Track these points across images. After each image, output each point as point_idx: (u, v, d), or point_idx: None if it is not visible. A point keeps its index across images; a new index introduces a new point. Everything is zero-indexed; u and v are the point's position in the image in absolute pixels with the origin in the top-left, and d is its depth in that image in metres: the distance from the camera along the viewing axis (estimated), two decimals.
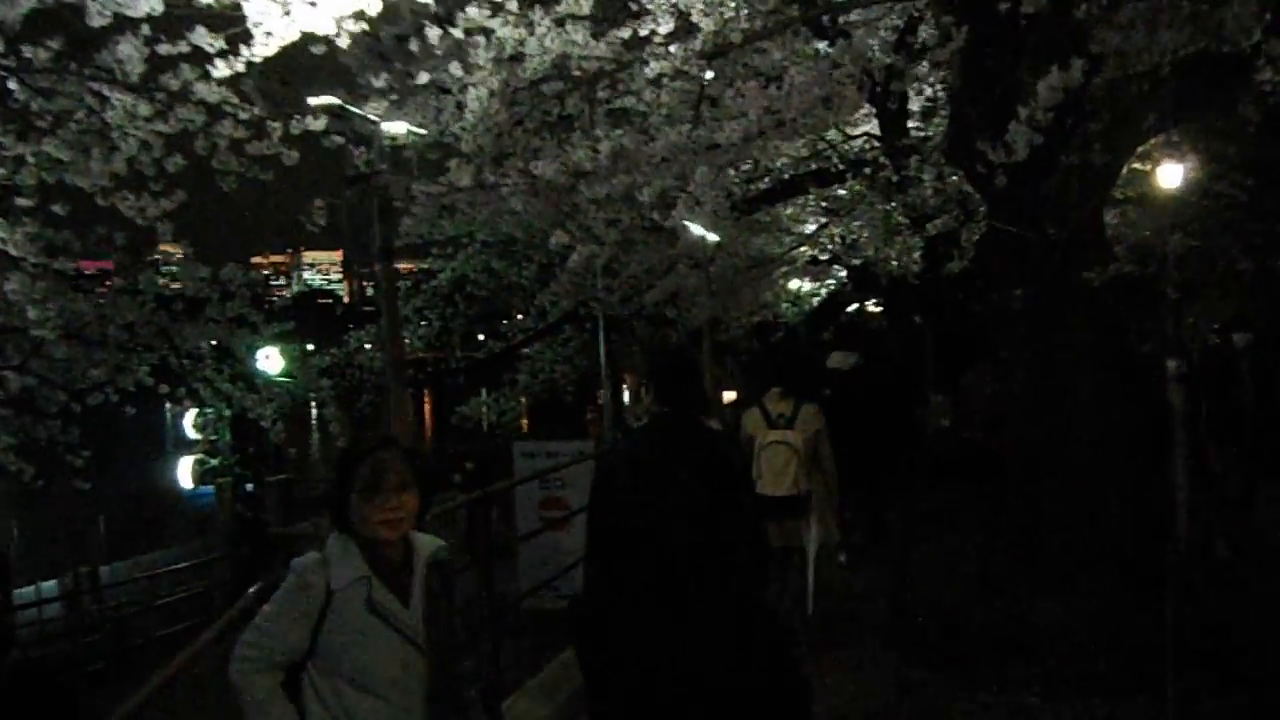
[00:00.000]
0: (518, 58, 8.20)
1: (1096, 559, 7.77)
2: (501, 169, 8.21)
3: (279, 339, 16.94)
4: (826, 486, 8.25)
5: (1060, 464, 8.22)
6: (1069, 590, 7.53)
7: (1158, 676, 5.88)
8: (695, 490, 4.44)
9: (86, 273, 12.73)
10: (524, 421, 31.15)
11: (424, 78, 7.58)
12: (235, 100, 7.21)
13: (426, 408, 45.78)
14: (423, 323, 21.90)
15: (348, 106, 6.72)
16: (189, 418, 17.28)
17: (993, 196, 8.15)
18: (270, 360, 18.16)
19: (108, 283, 12.38)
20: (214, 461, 17.91)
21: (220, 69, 6.02)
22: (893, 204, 14.20)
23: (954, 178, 13.30)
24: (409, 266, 23.07)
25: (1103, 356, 7.96)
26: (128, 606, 17.80)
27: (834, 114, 6.89)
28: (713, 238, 11.37)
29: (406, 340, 21.60)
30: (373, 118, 6.81)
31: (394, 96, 7.69)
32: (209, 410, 17.23)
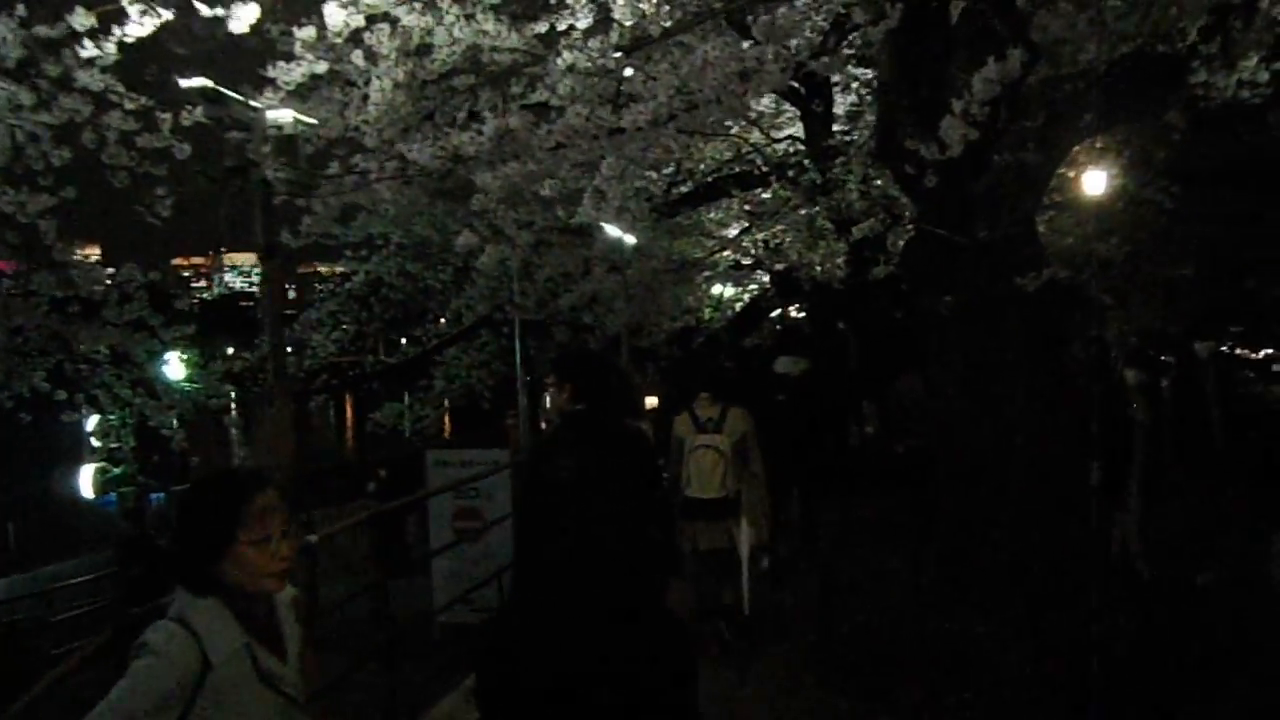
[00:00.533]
0: (426, 49, 7.78)
1: (1029, 574, 7.49)
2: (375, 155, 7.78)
3: (187, 343, 16.39)
4: (756, 490, 8.30)
5: (992, 475, 7.90)
6: (1002, 608, 7.25)
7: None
8: (611, 474, 5.05)
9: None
10: (446, 427, 30.60)
11: (322, 67, 7.10)
12: (121, 89, 6.72)
13: (349, 414, 45.02)
14: (339, 327, 21.29)
15: (223, 90, 6.18)
16: (90, 424, 16.53)
17: (921, 197, 7.78)
18: (174, 365, 17.53)
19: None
20: (116, 470, 17.18)
21: (89, 49, 5.49)
22: (817, 208, 13.90)
23: (879, 181, 13.07)
24: (325, 269, 22.39)
25: (1036, 365, 7.63)
26: (22, 622, 17.03)
27: (752, 91, 6.43)
28: (630, 240, 10.99)
29: (319, 345, 21.11)
30: (255, 104, 6.29)
31: (291, 87, 7.22)
32: (111, 417, 16.61)
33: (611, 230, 11.48)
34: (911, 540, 9.26)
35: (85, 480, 17.13)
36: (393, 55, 7.42)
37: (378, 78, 7.57)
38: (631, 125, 7.89)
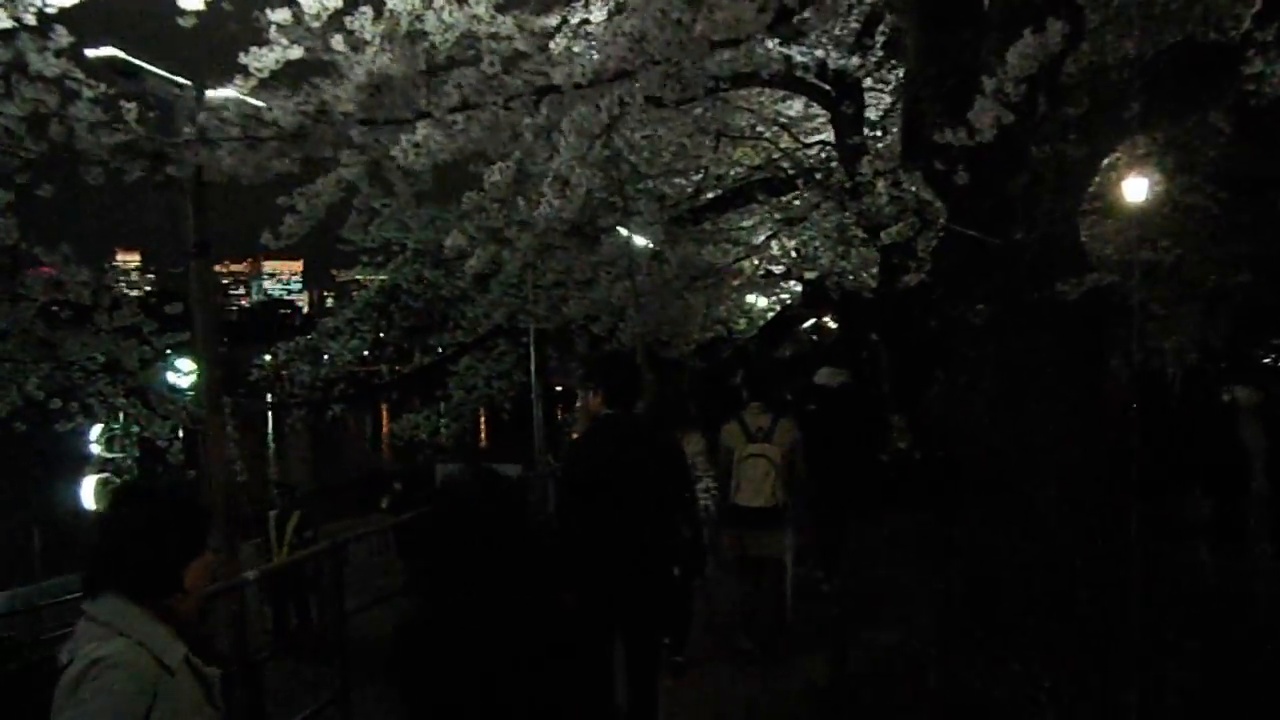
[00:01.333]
0: (416, 35, 7.22)
1: (1060, 610, 6.84)
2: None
3: (179, 350, 15.88)
4: (802, 500, 8.73)
5: (1023, 500, 7.25)
6: (1032, 648, 6.58)
7: None
8: (643, 476, 5.93)
9: None
10: (481, 437, 30.09)
11: (297, 52, 6.54)
12: (79, 74, 6.18)
13: (385, 423, 44.63)
14: (357, 335, 20.78)
15: (135, 62, 5.60)
16: (94, 434, 16.03)
17: (952, 197, 7.12)
18: (184, 370, 17.01)
19: None
20: (119, 481, 16.67)
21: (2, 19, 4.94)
22: (847, 213, 13.24)
23: (911, 185, 12.42)
24: (363, 277, 21.88)
25: (1075, 381, 6.95)
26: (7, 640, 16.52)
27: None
28: (641, 243, 10.40)
29: (336, 353, 20.62)
30: (184, 82, 5.73)
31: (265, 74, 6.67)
32: (116, 426, 16.11)
33: (622, 233, 10.95)
34: (935, 560, 8.78)
35: (88, 492, 16.55)
36: (376, 40, 6.89)
37: (359, 64, 7.06)
38: (566, 80, 7.39)
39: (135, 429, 16.14)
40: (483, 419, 22.09)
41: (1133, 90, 6.47)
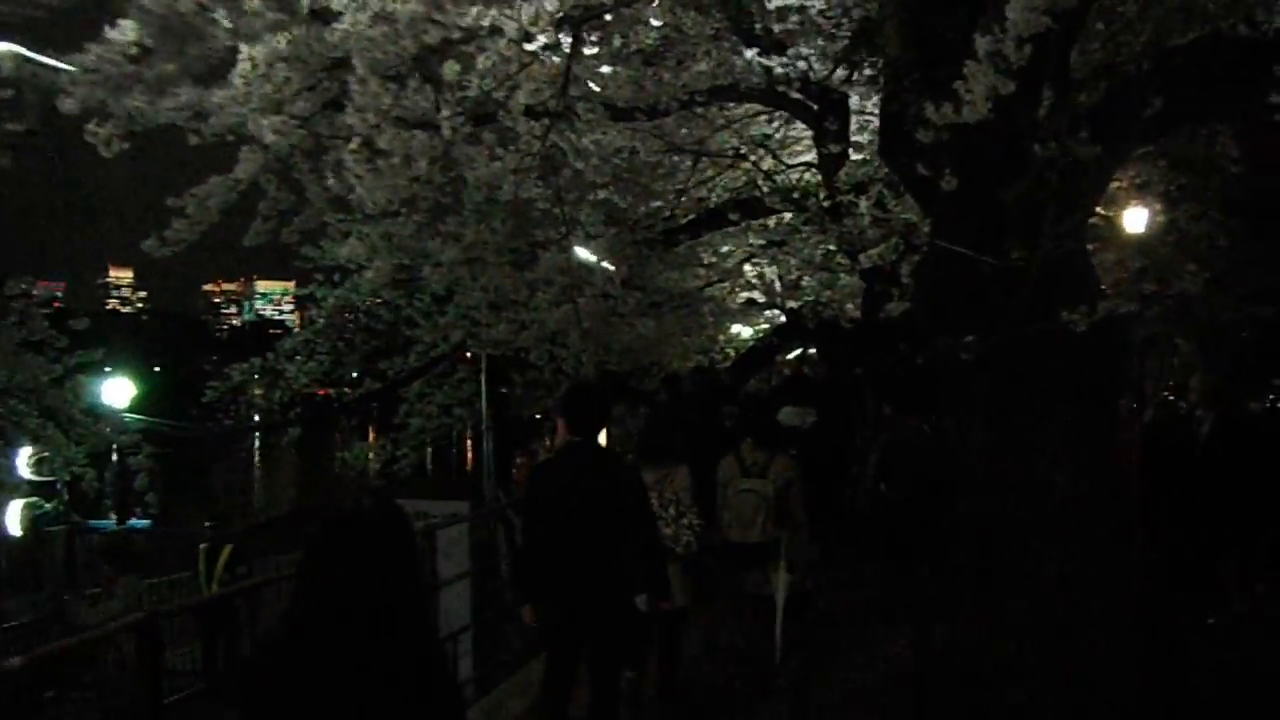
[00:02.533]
0: (321, 14, 6.23)
1: (1069, 687, 5.82)
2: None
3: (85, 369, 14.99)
4: (796, 536, 8.48)
5: (1023, 557, 6.20)
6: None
7: None
8: (602, 490, 6.39)
9: None
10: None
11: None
12: None
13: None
14: (314, 356, 19.70)
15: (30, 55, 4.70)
16: (21, 456, 15.00)
17: (937, 207, 6.06)
18: (117, 390, 16.03)
19: None
20: (47, 506, 15.68)
21: None
22: (827, 235, 12.24)
23: (896, 206, 11.47)
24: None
25: (1087, 428, 5.88)
26: None
27: None
28: (587, 257, 9.39)
29: (293, 375, 19.54)
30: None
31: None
32: (46, 449, 15.14)
33: (582, 253, 9.99)
34: (918, 638, 8.26)
35: (12, 517, 15.54)
36: (268, 20, 5.90)
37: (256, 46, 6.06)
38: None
39: (65, 452, 15.21)
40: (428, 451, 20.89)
41: (1153, 85, 5.44)
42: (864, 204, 11.05)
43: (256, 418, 22.08)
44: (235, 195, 6.82)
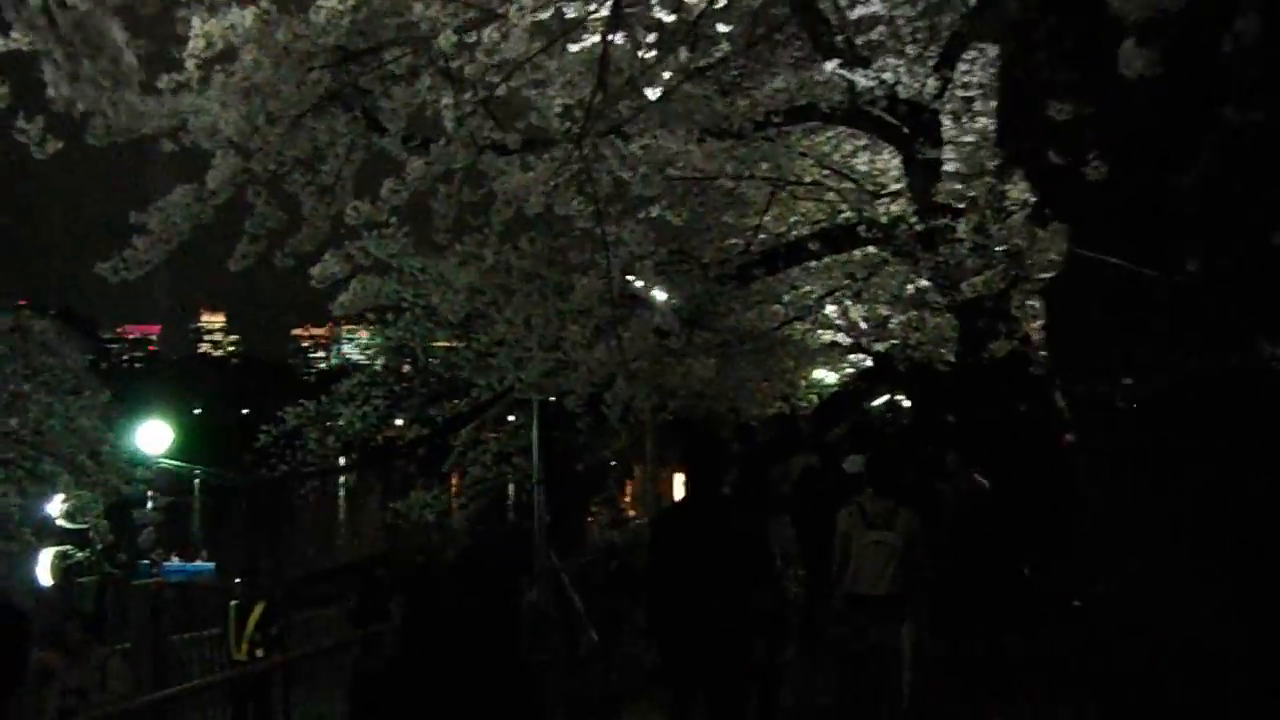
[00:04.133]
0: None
1: None
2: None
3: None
4: (919, 589, 8.50)
5: (1180, 650, 4.70)
6: None
7: None
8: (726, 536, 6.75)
9: None
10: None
11: None
12: None
13: None
14: (369, 401, 18.61)
15: None
16: (55, 504, 14.02)
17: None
18: (153, 435, 14.98)
19: None
20: (79, 555, 14.68)
21: None
22: (920, 266, 10.81)
23: (1002, 229, 10.06)
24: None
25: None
26: None
27: None
28: (637, 284, 8.13)
29: (346, 421, 18.46)
30: None
31: None
32: (82, 494, 14.14)
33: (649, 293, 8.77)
34: None
35: (44, 566, 14.57)
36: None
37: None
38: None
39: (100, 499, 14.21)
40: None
41: None
42: (964, 226, 9.63)
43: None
44: (208, 211, 5.64)
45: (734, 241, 13.33)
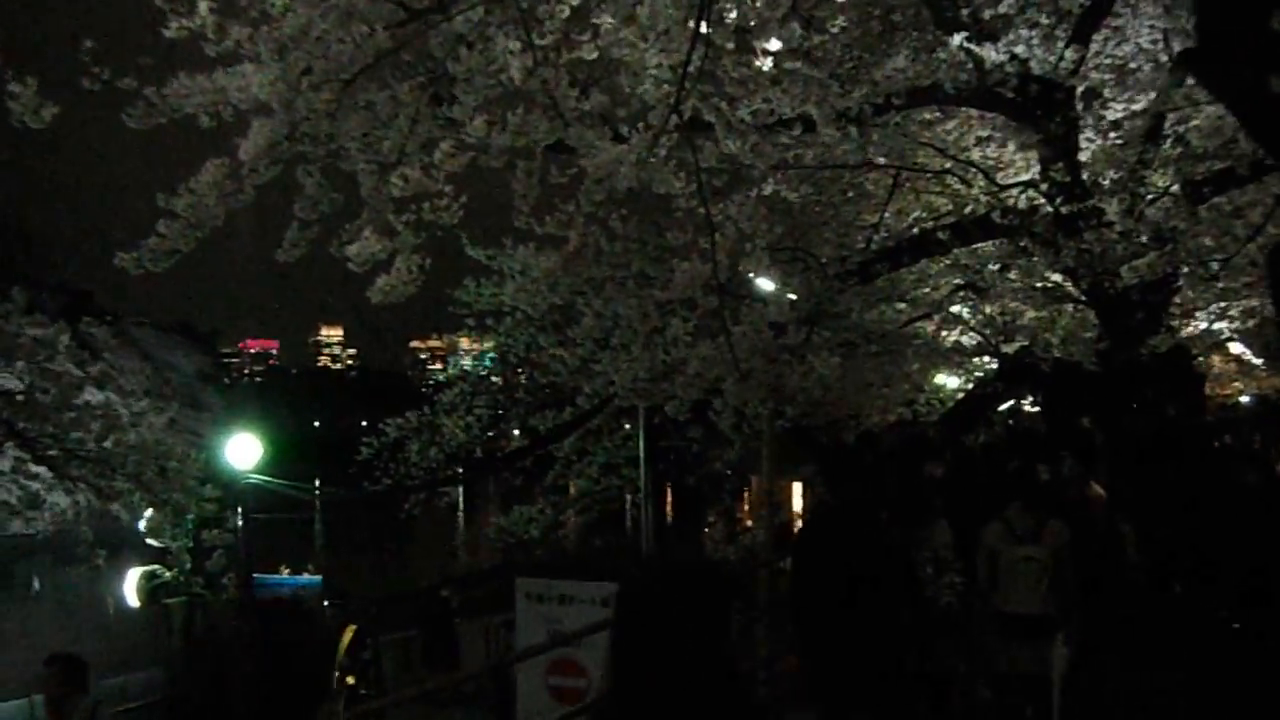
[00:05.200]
0: None
1: None
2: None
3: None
4: (1070, 609, 8.01)
5: None
6: None
7: None
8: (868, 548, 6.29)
9: None
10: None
11: None
12: None
13: None
14: (473, 411, 17.96)
15: None
16: (144, 519, 13.47)
17: None
18: (242, 449, 14.37)
19: None
20: (167, 575, 14.15)
21: None
22: (1062, 255, 9.76)
23: (1157, 211, 9.01)
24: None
25: None
26: None
27: None
28: (768, 286, 7.33)
29: (450, 432, 17.80)
30: None
31: None
32: (168, 509, 13.57)
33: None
34: None
35: (130, 586, 14.06)
36: None
37: None
38: None
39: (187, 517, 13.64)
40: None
41: None
42: (1113, 208, 8.61)
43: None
44: (248, 193, 4.91)
45: (854, 237, 12.49)
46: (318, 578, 26.30)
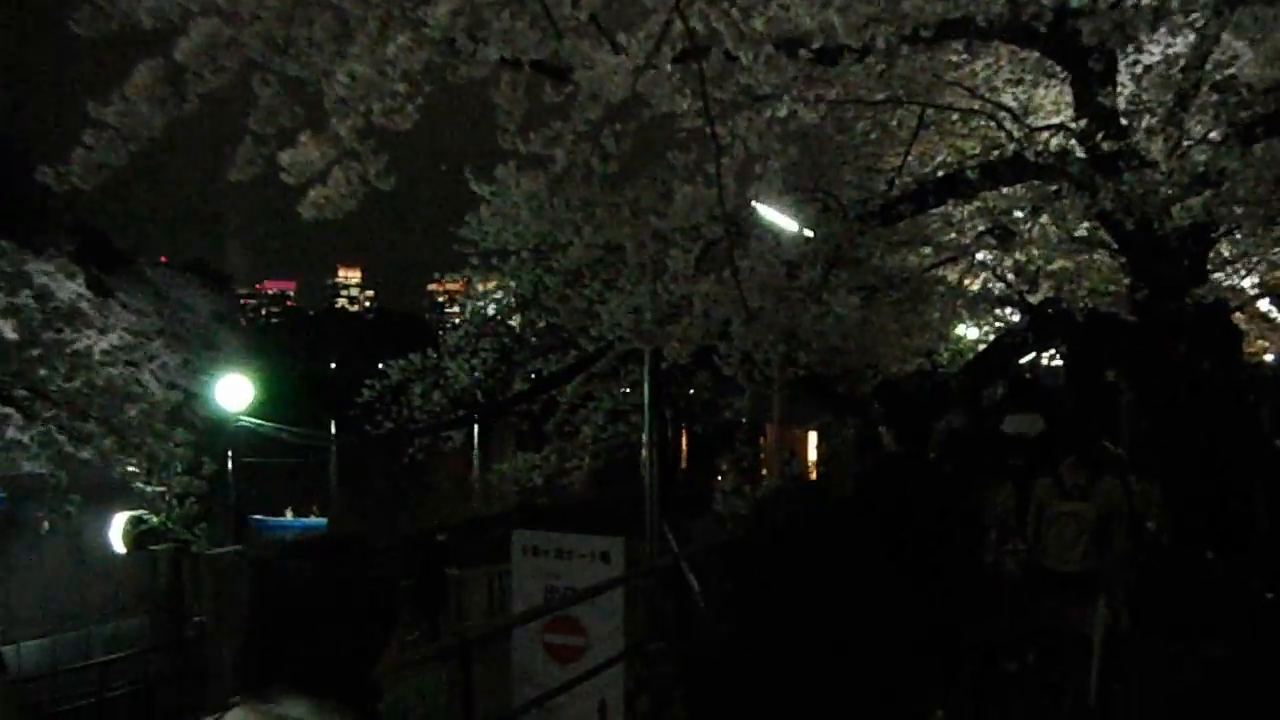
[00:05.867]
0: None
1: None
2: None
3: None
4: (1118, 568, 7.92)
5: None
6: None
7: None
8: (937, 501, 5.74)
9: None
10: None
11: None
12: None
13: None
14: (478, 353, 17.36)
15: None
16: (132, 465, 12.93)
17: None
18: (233, 391, 13.81)
19: None
20: (154, 520, 13.61)
21: None
22: (1093, 200, 9.12)
23: (1201, 151, 8.36)
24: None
25: None
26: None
27: None
28: (782, 221, 6.67)
29: (454, 375, 17.23)
30: None
31: None
32: (141, 454, 13.05)
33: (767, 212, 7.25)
34: None
35: (116, 531, 13.58)
36: None
37: None
38: None
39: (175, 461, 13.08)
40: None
41: None
42: (1159, 145, 7.95)
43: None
44: (193, 102, 4.31)
45: (877, 179, 11.89)
46: (323, 520, 26.05)
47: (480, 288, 17.71)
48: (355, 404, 18.07)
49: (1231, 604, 9.21)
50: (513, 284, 15.82)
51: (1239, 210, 7.93)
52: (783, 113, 5.79)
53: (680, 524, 13.36)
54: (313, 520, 26.99)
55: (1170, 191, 8.29)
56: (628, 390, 16.33)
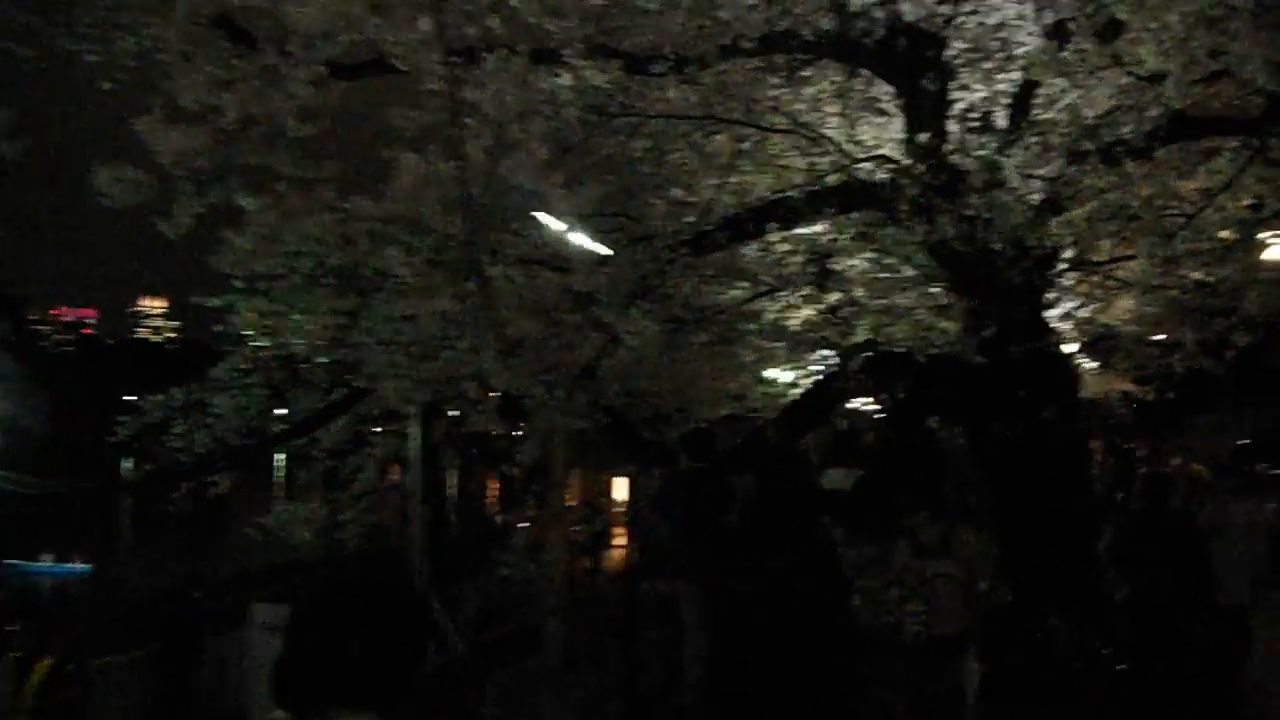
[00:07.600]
0: None
1: None
2: None
3: None
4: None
5: None
6: None
7: None
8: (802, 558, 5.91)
9: None
10: None
11: None
12: None
13: None
14: (248, 389, 15.57)
15: None
16: None
17: None
18: None
19: None
20: None
21: None
22: (940, 223, 8.17)
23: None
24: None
25: None
26: None
27: None
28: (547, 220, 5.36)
29: (222, 413, 15.38)
30: None
31: None
32: None
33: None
34: None
35: None
36: None
37: None
38: None
39: None
40: None
41: None
42: (1013, 159, 6.95)
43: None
44: None
45: (691, 209, 10.83)
46: (86, 566, 23.97)
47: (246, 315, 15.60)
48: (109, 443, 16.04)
49: (1081, 675, 8.64)
50: (277, 307, 14.03)
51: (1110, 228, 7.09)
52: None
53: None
54: (77, 566, 24.95)
55: (1023, 214, 7.39)
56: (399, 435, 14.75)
